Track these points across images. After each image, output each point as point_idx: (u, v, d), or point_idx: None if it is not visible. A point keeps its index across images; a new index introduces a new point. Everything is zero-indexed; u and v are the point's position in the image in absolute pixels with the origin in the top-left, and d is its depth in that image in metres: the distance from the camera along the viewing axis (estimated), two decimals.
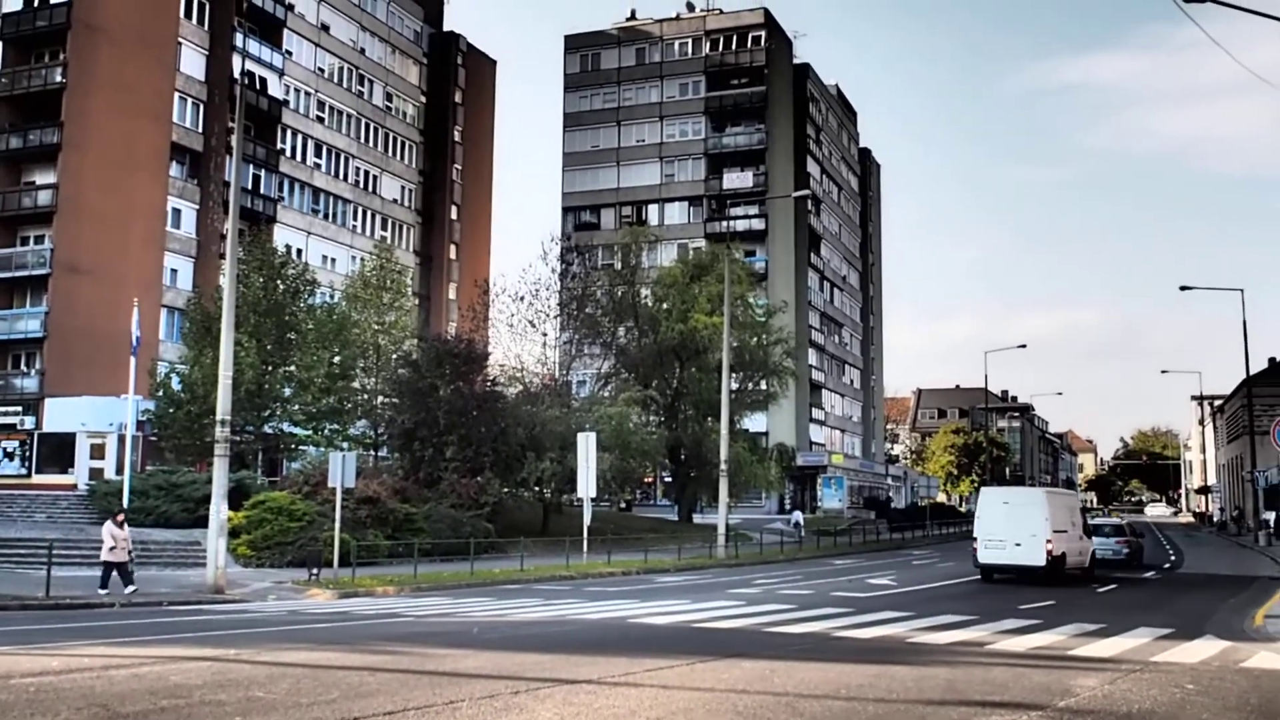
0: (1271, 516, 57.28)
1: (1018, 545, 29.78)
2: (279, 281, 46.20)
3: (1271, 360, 75.77)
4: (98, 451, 44.07)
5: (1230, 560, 43.85)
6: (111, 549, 24.56)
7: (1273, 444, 21.47)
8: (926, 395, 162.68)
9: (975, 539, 31.18)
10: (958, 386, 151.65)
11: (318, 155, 68.56)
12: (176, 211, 59.36)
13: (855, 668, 13.48)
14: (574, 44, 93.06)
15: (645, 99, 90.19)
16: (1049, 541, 29.45)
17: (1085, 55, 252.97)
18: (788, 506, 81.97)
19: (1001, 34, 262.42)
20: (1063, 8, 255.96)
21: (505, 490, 45.05)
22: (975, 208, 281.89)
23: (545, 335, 54.61)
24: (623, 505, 66.55)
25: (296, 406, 45.68)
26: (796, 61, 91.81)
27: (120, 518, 25.85)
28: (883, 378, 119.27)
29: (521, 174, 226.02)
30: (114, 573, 24.46)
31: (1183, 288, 70.81)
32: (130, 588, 24.46)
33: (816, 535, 55.58)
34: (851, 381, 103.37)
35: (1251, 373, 62.45)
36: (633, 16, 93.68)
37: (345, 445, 45.08)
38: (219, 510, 25.37)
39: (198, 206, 60.25)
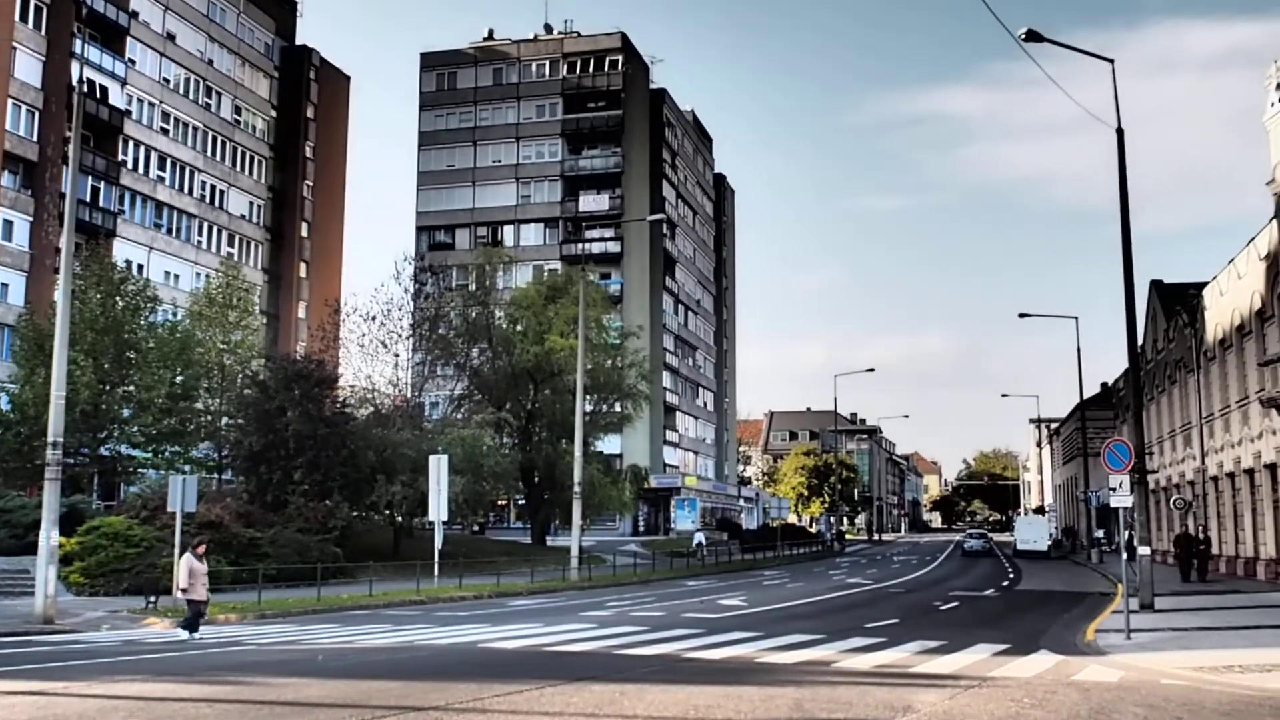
0: (1116, 535, 59.92)
1: (1035, 541, 70.18)
2: (118, 298, 44.72)
3: (1104, 385, 79.43)
4: None
5: (1066, 577, 45.58)
6: (186, 588, 21.55)
7: (1103, 466, 22.37)
8: (778, 417, 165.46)
9: (1015, 538, 73.45)
10: (809, 409, 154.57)
11: (161, 168, 66.40)
12: (8, 223, 56.75)
13: (704, 689, 13.54)
14: (430, 62, 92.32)
15: (502, 119, 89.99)
16: (1050, 539, 71.63)
17: (933, 89, 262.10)
18: (642, 528, 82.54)
19: (853, 65, 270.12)
20: (912, 42, 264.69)
21: (355, 514, 44.20)
22: (826, 234, 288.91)
23: (397, 356, 53.87)
24: (475, 528, 65.94)
25: (135, 428, 44.17)
26: (653, 86, 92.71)
27: (201, 549, 22.40)
28: (736, 400, 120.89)
29: (376, 192, 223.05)
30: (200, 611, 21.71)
31: (1022, 315, 73.58)
32: (195, 634, 21.27)
33: (670, 556, 55.95)
34: (705, 404, 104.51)
35: (1085, 397, 65.36)
36: (490, 36, 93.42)
37: (187, 468, 43.85)
38: (49, 536, 24.24)
39: (31, 219, 57.69)
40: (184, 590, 21.72)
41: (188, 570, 21.72)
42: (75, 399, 36.98)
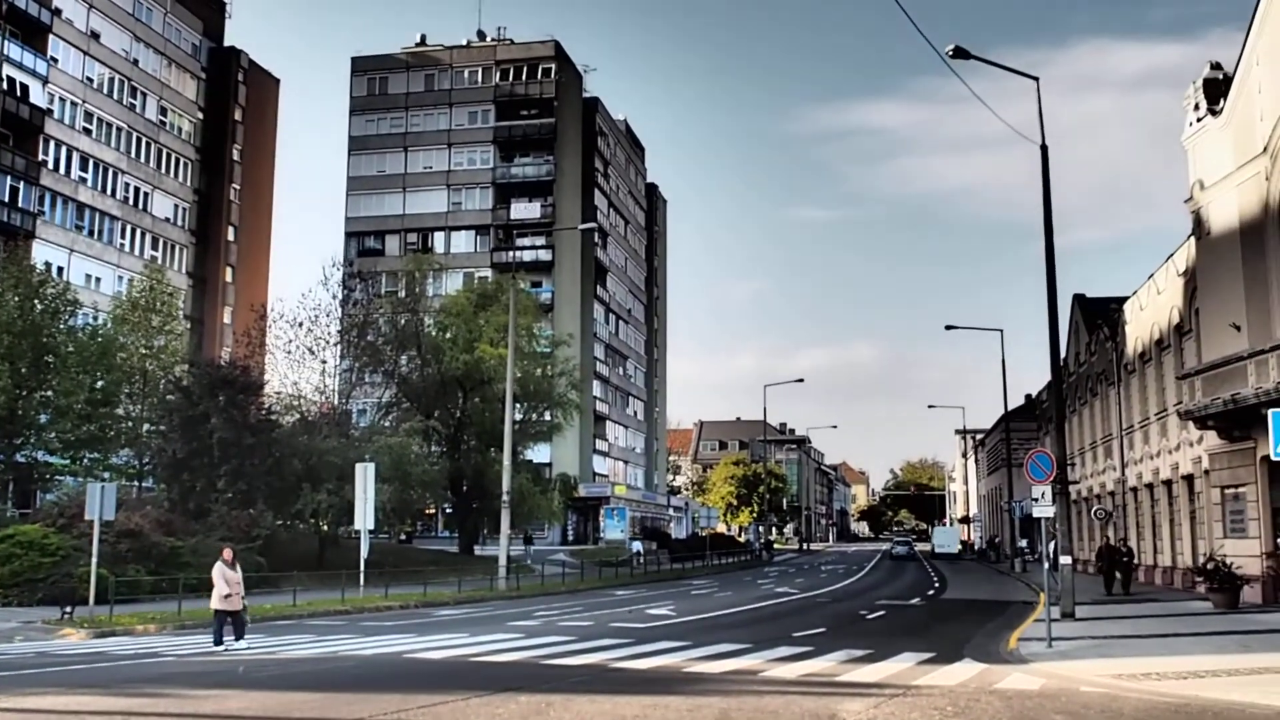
0: (1039, 545, 60.77)
1: (948, 545, 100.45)
2: (36, 301, 43.81)
3: (1028, 396, 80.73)
4: None
5: (990, 586, 46.21)
6: (226, 596, 21.18)
7: (1026, 476, 22.70)
8: (708, 427, 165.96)
9: (933, 543, 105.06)
10: (738, 419, 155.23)
11: (83, 169, 65.03)
12: None
13: (631, 699, 13.51)
14: (361, 67, 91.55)
15: (433, 125, 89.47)
16: (960, 543, 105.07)
17: (862, 103, 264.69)
18: (571, 538, 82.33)
19: (783, 78, 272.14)
20: (842, 56, 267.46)
21: (279, 523, 43.56)
22: (757, 245, 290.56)
23: (325, 363, 53.20)
24: (403, 538, 65.36)
25: (53, 434, 43.25)
26: (586, 95, 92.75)
27: (230, 555, 22.19)
28: (666, 410, 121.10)
29: (305, 197, 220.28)
30: (226, 623, 21.25)
31: (948, 327, 74.39)
32: (243, 642, 20.83)
33: (599, 566, 55.86)
34: (635, 413, 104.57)
35: (1009, 408, 66.34)
36: (423, 42, 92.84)
37: (107, 475, 42.97)
38: None
39: None
40: (226, 596, 21.26)
41: (222, 579, 21.34)
42: None
